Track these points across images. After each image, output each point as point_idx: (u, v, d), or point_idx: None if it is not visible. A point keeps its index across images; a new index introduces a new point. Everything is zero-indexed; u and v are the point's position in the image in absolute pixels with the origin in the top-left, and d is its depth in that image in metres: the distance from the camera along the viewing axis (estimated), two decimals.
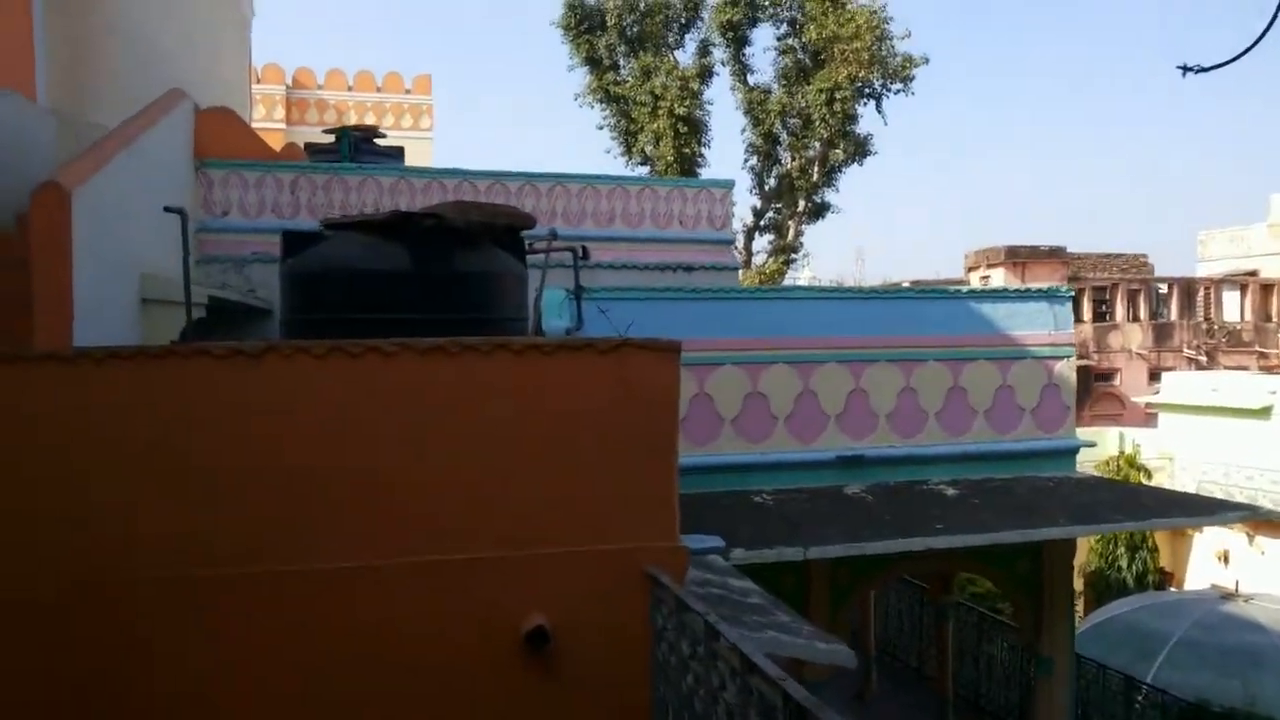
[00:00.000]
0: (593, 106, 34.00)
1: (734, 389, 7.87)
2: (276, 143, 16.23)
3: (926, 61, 31.63)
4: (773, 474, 7.92)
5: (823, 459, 8.00)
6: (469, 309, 4.60)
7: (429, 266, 4.52)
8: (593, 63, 33.32)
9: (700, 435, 7.82)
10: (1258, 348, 37.85)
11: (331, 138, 10.83)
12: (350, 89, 27.63)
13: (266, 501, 3.81)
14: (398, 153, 11.21)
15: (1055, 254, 36.07)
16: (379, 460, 3.91)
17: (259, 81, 25.38)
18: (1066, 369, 8.59)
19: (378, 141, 10.82)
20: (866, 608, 12.70)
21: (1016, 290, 8.54)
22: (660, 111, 31.54)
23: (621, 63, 33.54)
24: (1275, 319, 38.49)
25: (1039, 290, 8.62)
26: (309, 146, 11.45)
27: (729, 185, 11.20)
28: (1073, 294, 8.78)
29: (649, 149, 32.11)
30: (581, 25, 32.82)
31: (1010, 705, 10.75)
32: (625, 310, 5.87)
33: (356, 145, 10.32)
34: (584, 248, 5.79)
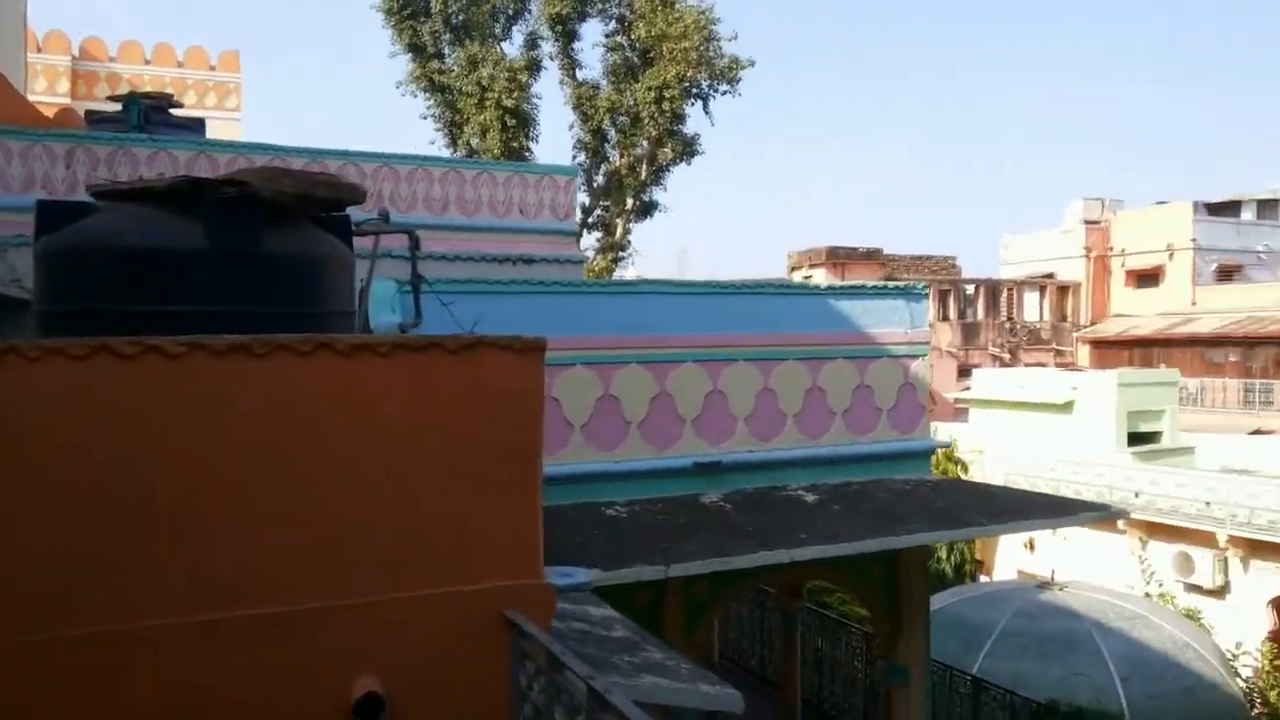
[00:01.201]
0: (416, 95, 32.67)
1: (584, 392, 7.22)
2: None
3: (752, 64, 31.94)
4: (626, 484, 7.31)
5: (679, 466, 7.46)
6: (281, 300, 3.75)
7: (228, 246, 3.64)
8: (416, 49, 32.00)
9: (547, 444, 7.10)
10: (1055, 345, 40.30)
11: (118, 106, 9.47)
12: (147, 62, 25.21)
13: (4, 551, 2.87)
14: (197, 125, 9.93)
15: (873, 256, 37.26)
16: (160, 491, 3.02)
17: (39, 50, 22.83)
18: (922, 368, 8.38)
19: (173, 111, 9.54)
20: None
21: (874, 287, 8.28)
22: (488, 103, 30.58)
23: (446, 51, 32.38)
24: (1070, 318, 41.08)
25: (895, 287, 8.37)
26: (90, 115, 10.01)
27: (573, 172, 10.56)
28: (927, 291, 8.61)
29: (475, 141, 31.06)
30: (404, 10, 31.45)
31: (859, 712, 10.60)
32: (470, 305, 5.11)
33: (147, 114, 9.02)
34: (416, 236, 5.01)
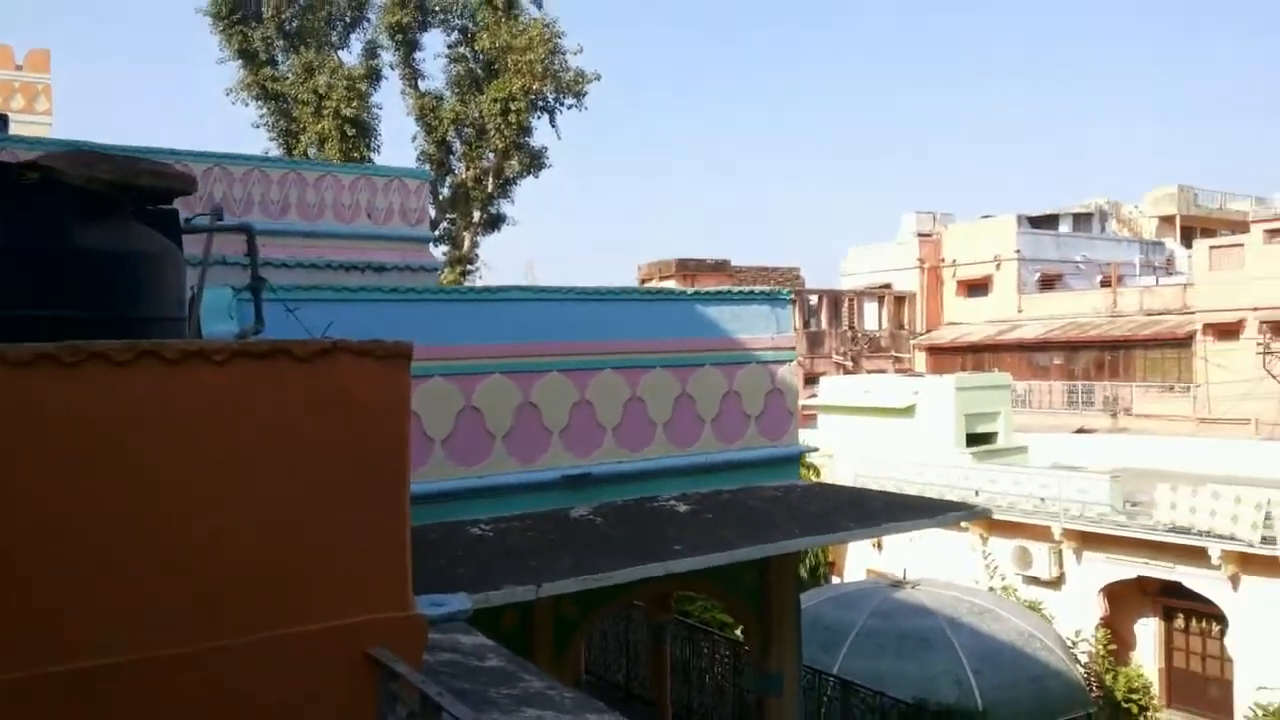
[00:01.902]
0: (247, 104, 31.20)
1: (445, 404, 6.78)
2: None
3: (598, 78, 31.95)
4: (491, 500, 6.90)
5: (546, 480, 7.10)
6: (96, 303, 3.23)
7: (31, 241, 3.10)
8: (247, 55, 30.57)
9: None
10: (894, 353, 41.81)
11: None
12: None
13: None
14: None
15: (721, 267, 37.79)
16: None
17: None
18: (789, 373, 8.31)
19: None
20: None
21: (740, 292, 8.14)
22: (325, 112, 29.50)
23: (280, 58, 31.06)
24: (907, 327, 42.71)
25: (762, 293, 8.28)
26: None
27: (425, 176, 10.07)
28: (792, 297, 8.55)
29: (313, 151, 29.88)
30: (234, 14, 29.99)
31: None
32: (319, 313, 4.64)
33: None
34: (254, 233, 4.52)
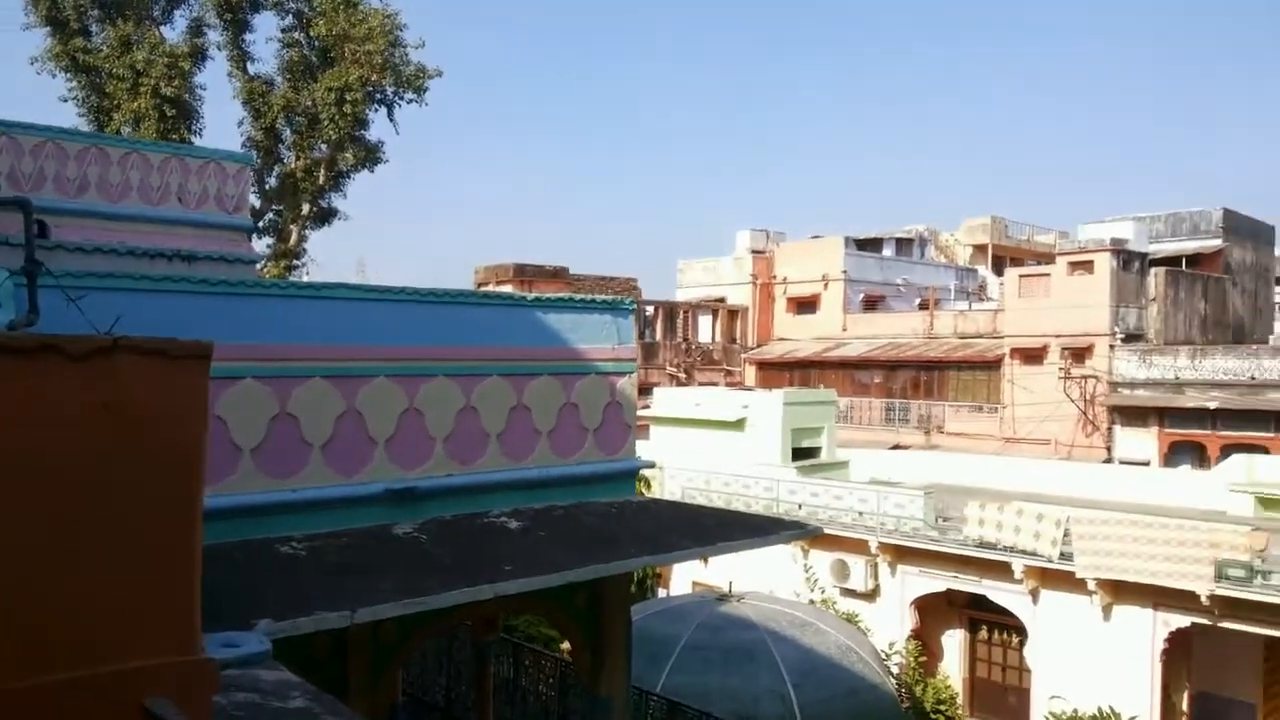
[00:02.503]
0: (55, 75, 28.85)
1: (256, 410, 6.19)
2: None
3: (440, 74, 31.17)
4: (306, 516, 6.36)
5: (369, 494, 6.61)
6: None
7: None
8: (56, 24, 28.26)
9: (209, 470, 6.04)
10: (726, 366, 42.55)
11: None
12: None
13: None
14: None
15: (559, 274, 37.51)
16: None
17: None
18: (628, 385, 8.09)
19: None
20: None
21: (581, 300, 7.86)
22: (143, 89, 27.59)
23: (95, 29, 28.87)
24: (739, 340, 43.56)
25: (603, 301, 8.01)
26: None
27: (247, 160, 9.34)
28: (634, 306, 8.34)
29: (127, 130, 27.86)
30: None
31: None
32: (109, 303, 4.08)
33: None
34: (40, 221, 3.93)
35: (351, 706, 6.74)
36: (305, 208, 30.86)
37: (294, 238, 31.06)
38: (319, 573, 6.03)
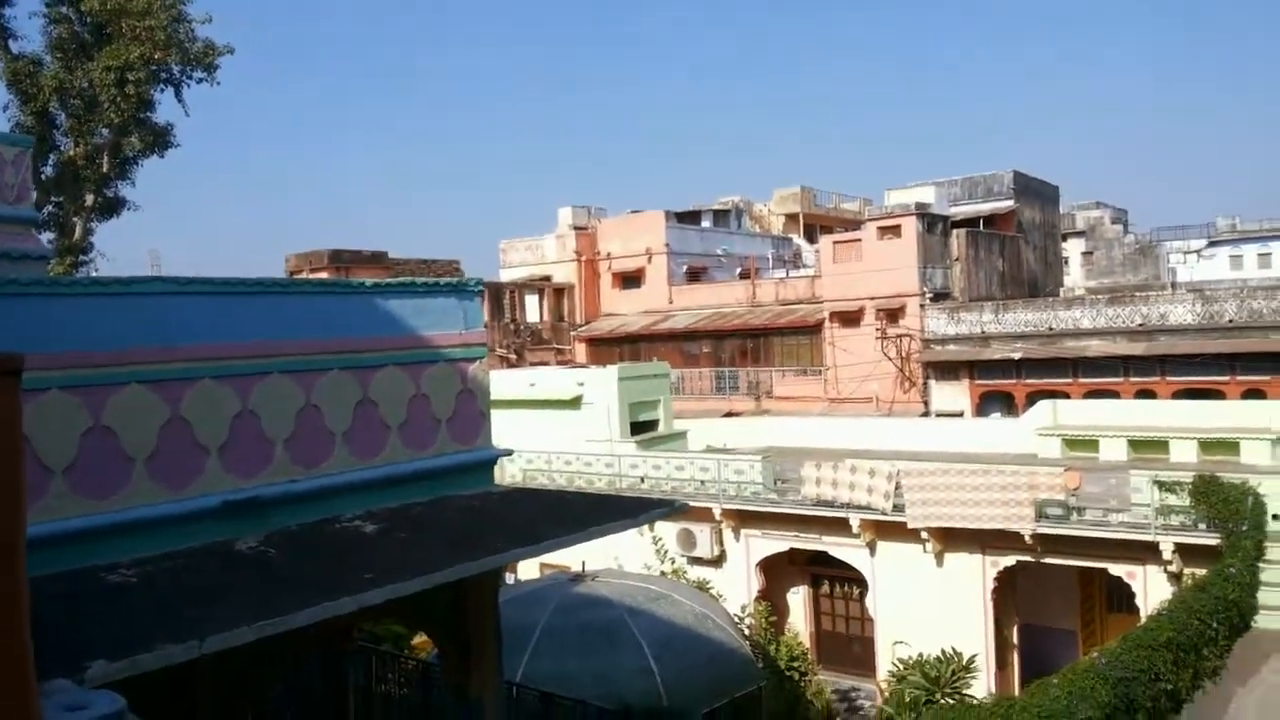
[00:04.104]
0: None
1: (64, 425, 5.43)
2: None
3: (231, 51, 29.26)
4: (133, 538, 5.64)
5: (203, 508, 5.93)
6: None
7: None
8: None
9: None
10: (556, 344, 42.23)
11: None
12: None
13: None
14: None
15: (378, 259, 36.18)
16: None
17: None
18: (480, 371, 7.64)
19: None
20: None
21: (424, 283, 7.34)
22: None
23: None
24: (567, 318, 43.29)
25: (448, 284, 7.51)
26: None
27: (26, 144, 8.25)
28: (483, 288, 7.89)
29: None
30: None
31: None
32: None
33: None
34: None
35: None
36: (89, 198, 28.45)
37: (78, 231, 28.61)
38: (155, 601, 5.38)
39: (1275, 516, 16.69)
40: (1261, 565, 15.71)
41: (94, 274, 29.18)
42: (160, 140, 29.34)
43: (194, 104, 33.72)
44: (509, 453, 8.12)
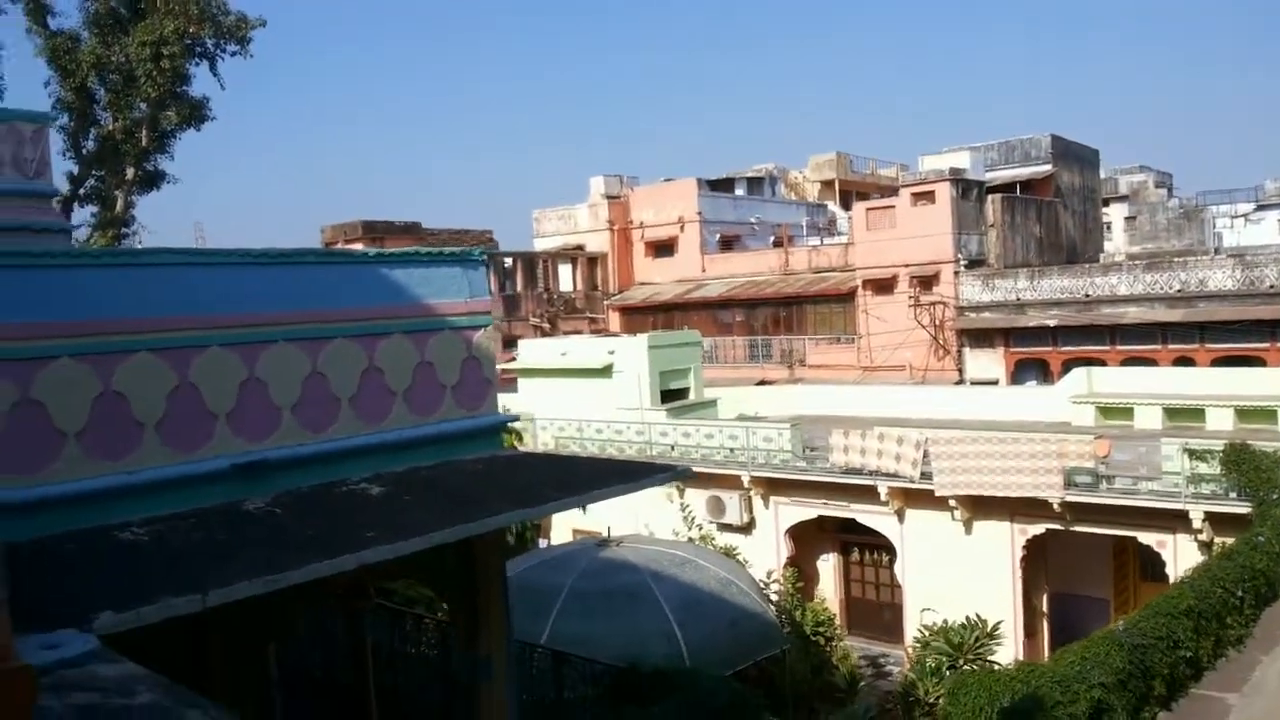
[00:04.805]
0: None
1: (78, 391, 5.65)
2: None
3: (263, 24, 29.48)
4: (144, 499, 5.88)
5: (213, 470, 6.15)
6: None
7: None
8: None
9: (25, 461, 5.52)
10: (589, 314, 42.40)
11: None
12: None
13: None
14: None
15: (411, 229, 36.50)
16: None
17: None
18: (485, 339, 7.78)
19: None
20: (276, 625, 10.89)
21: (428, 253, 7.48)
22: None
23: None
24: (601, 288, 43.42)
25: (451, 254, 7.65)
26: None
27: (45, 119, 8.51)
28: (486, 257, 8.02)
29: None
30: None
31: (441, 709, 9.90)
32: None
33: None
34: None
35: (214, 694, 6.36)
36: (129, 172, 28.95)
37: (120, 204, 29.14)
38: (164, 557, 5.61)
39: None
40: None
41: (137, 247, 29.76)
42: (196, 114, 29.72)
43: (230, 78, 34.06)
44: (515, 418, 8.29)
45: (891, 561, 21.12)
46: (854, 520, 21.57)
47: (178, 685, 4.19)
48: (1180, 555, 17.16)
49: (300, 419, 6.60)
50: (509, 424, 26.17)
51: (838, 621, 21.36)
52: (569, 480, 7.27)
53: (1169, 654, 11.57)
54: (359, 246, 33.85)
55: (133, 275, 6.06)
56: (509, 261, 41.60)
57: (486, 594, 7.69)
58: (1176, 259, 32.26)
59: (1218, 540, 16.41)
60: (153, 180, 30.12)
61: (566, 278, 43.41)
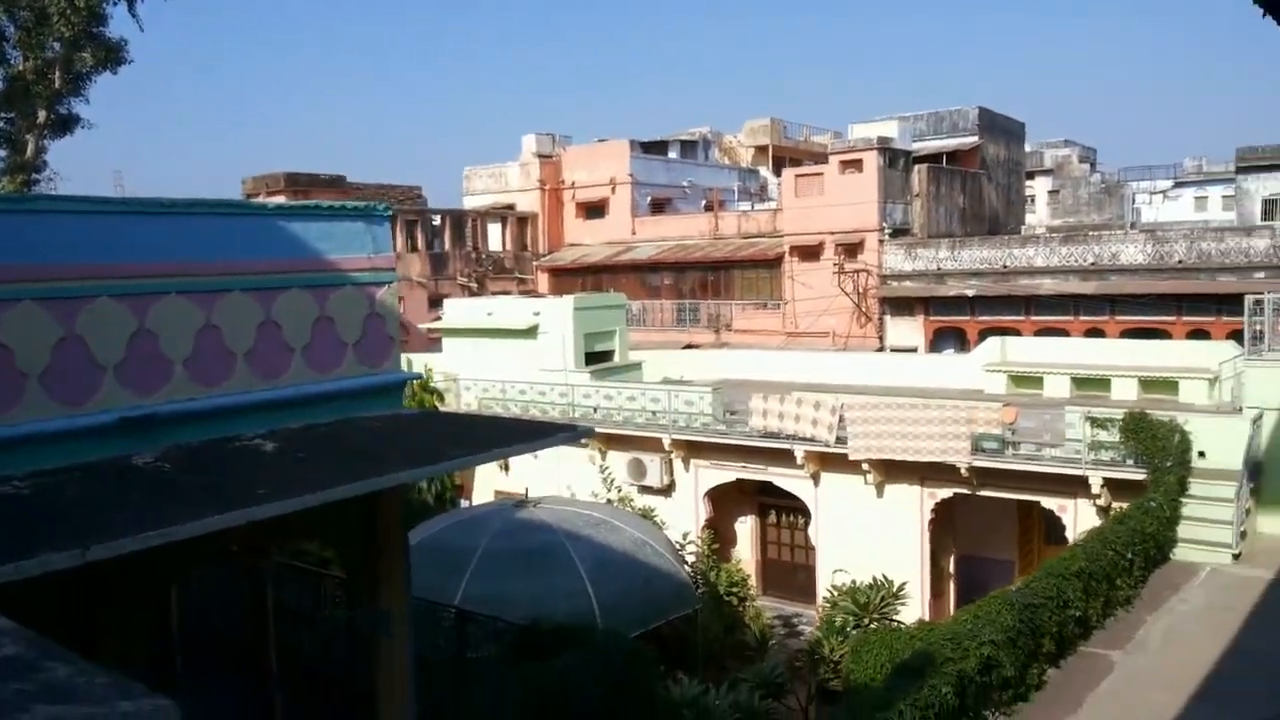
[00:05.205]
0: None
1: None
2: None
3: None
4: (26, 452, 5.75)
5: (99, 424, 6.04)
6: None
7: None
8: None
9: None
10: (518, 274, 42.15)
11: None
12: None
13: None
14: None
15: (336, 183, 35.80)
16: None
17: None
18: (389, 296, 7.73)
19: None
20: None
21: (330, 206, 7.38)
22: None
23: None
24: (530, 248, 43.14)
25: (355, 208, 7.55)
26: None
27: None
28: (391, 212, 7.93)
29: None
30: None
31: (344, 667, 9.91)
32: None
33: None
34: None
35: (101, 652, 6.30)
36: (41, 115, 27.86)
37: (30, 149, 28.07)
38: (46, 512, 5.53)
39: (1201, 454, 17.18)
40: (1184, 500, 16.24)
41: (49, 193, 28.71)
42: (113, 56, 28.64)
43: (150, 22, 32.93)
44: (418, 376, 8.29)
45: (807, 524, 21.57)
46: (771, 483, 21.94)
47: (45, 638, 4.15)
48: (1080, 519, 17.81)
49: (192, 373, 6.50)
50: (432, 384, 26.00)
51: (753, 582, 21.78)
52: (470, 439, 7.29)
53: (1059, 613, 12.06)
54: (282, 199, 33.13)
55: (16, 222, 5.89)
56: (437, 219, 41.06)
57: (388, 550, 7.70)
58: (1091, 233, 33.17)
59: (1115, 505, 17.08)
60: (66, 124, 29.05)
61: (496, 237, 43.02)
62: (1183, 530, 16.02)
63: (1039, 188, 58.87)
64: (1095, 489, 17.46)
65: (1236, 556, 15.84)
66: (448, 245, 40.58)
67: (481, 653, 10.29)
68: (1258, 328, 18.22)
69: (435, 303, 34.83)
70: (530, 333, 26.90)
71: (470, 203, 44.53)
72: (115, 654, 6.45)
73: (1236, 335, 23.11)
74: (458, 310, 29.82)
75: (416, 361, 28.84)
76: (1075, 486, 17.83)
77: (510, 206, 43.46)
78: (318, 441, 6.78)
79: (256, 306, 6.85)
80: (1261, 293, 18.92)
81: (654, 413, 23.27)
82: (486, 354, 27.40)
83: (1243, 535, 16.35)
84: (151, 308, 6.29)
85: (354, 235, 7.39)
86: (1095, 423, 17.58)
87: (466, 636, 10.47)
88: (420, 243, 39.25)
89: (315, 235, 7.14)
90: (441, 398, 26.15)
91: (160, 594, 6.70)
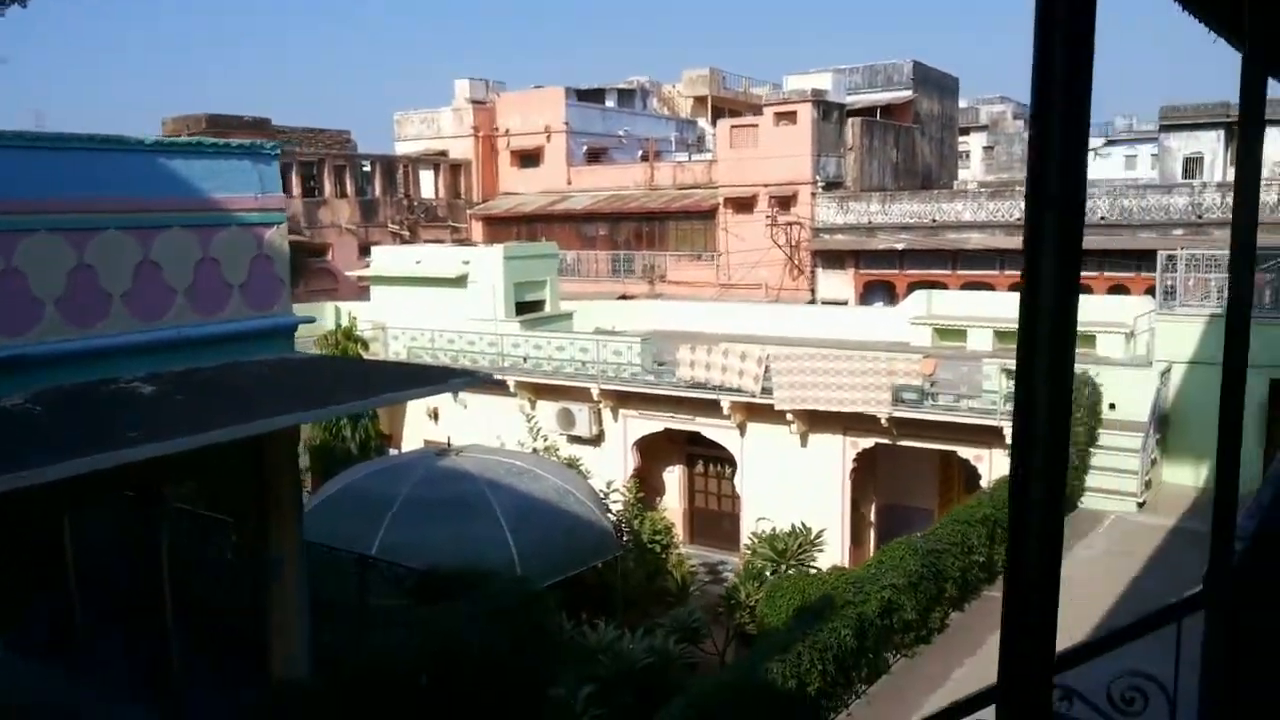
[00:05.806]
0: None
1: None
2: None
3: None
4: None
5: None
6: None
7: None
8: None
9: None
10: (451, 222, 41.57)
11: None
12: None
13: None
14: None
15: (259, 125, 34.78)
16: None
17: None
18: (278, 237, 7.52)
19: None
20: (60, 530, 10.51)
21: (214, 144, 7.13)
22: None
23: None
24: (464, 196, 42.52)
25: (240, 146, 7.31)
26: None
27: None
28: (279, 150, 7.68)
29: None
30: None
31: (241, 611, 9.79)
32: None
33: None
34: None
35: None
36: None
37: None
38: None
39: (1111, 405, 17.64)
40: (1092, 451, 16.70)
41: None
42: None
43: None
44: (310, 319, 8.11)
45: (733, 473, 21.79)
46: (699, 434, 22.09)
47: None
48: (995, 469, 18.21)
49: (64, 313, 6.29)
50: (356, 334, 25.52)
51: (679, 531, 21.97)
52: (361, 384, 7.17)
53: (962, 559, 12.37)
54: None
55: None
56: (367, 165, 40.22)
57: (278, 495, 7.58)
58: (1018, 188, 33.55)
59: None
60: None
61: (429, 184, 42.28)
62: (1091, 479, 16.49)
63: (974, 144, 59.40)
64: (1010, 439, 17.81)
65: (1141, 505, 16.34)
66: (378, 192, 39.81)
67: (382, 598, 10.24)
68: (1170, 283, 18.65)
69: (366, 250, 34.20)
70: (460, 282, 26.59)
71: (402, 149, 43.64)
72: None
73: (1154, 291, 23.62)
74: (387, 258, 29.33)
75: (345, 309, 28.44)
76: (991, 437, 18.20)
77: (443, 153, 42.68)
78: (199, 385, 6.62)
79: (135, 245, 6.62)
80: (1175, 249, 19.37)
81: (583, 363, 23.21)
82: (416, 303, 27.04)
83: (1148, 484, 16.85)
84: (19, 245, 6.05)
85: (240, 174, 7.16)
86: (1011, 375, 17.90)
87: (367, 583, 10.41)
88: (350, 189, 38.44)
89: (199, 173, 6.91)
90: (366, 346, 25.82)
91: (47, 539, 6.54)
